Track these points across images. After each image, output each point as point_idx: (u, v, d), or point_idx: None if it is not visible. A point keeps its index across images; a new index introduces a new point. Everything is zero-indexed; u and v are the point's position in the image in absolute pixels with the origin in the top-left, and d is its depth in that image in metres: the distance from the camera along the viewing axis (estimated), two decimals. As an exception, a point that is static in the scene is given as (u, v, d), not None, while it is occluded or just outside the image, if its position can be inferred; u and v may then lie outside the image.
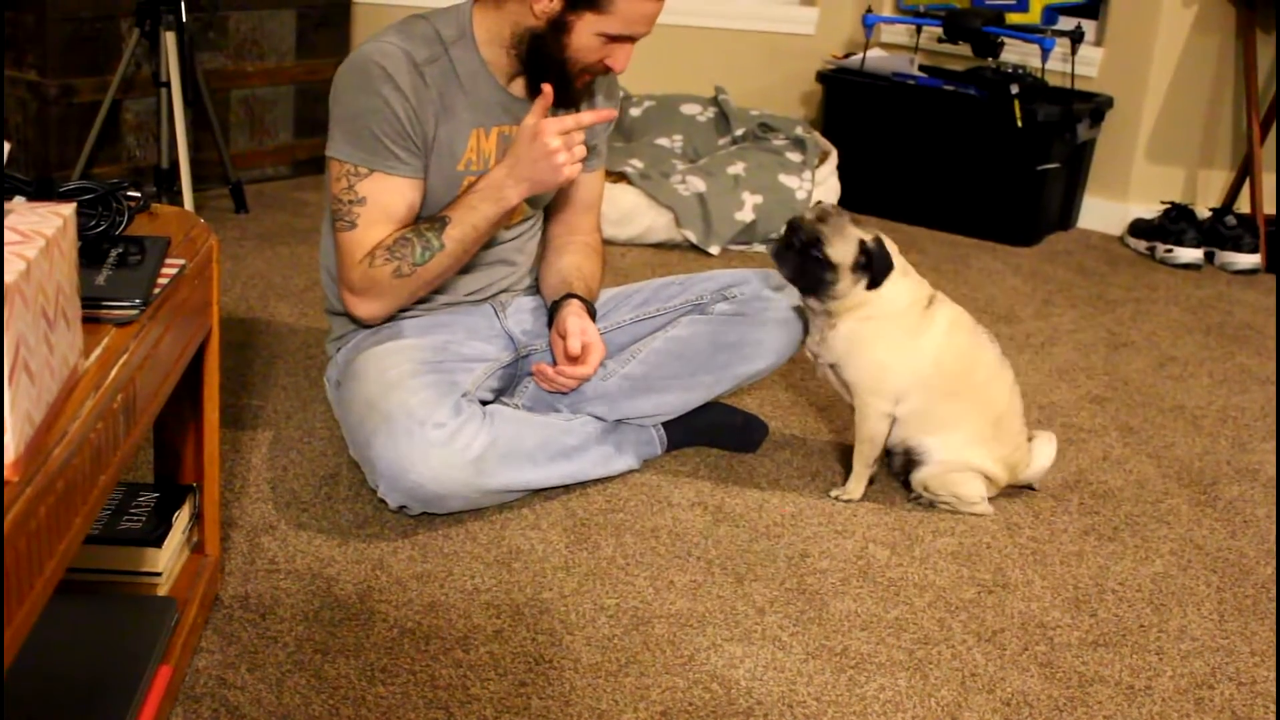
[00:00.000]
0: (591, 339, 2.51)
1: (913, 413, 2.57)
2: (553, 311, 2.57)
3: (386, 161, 2.36)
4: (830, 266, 2.45)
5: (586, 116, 2.42)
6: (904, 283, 2.52)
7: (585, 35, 2.35)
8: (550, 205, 2.72)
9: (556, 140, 2.34)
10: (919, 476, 2.60)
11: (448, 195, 2.44)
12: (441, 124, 2.40)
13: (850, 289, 2.47)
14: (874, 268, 2.45)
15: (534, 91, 2.43)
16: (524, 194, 2.40)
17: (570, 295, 2.57)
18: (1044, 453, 2.68)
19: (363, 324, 2.51)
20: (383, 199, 2.38)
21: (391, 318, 2.51)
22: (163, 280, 1.69)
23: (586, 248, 2.70)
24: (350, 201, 2.37)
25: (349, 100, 2.37)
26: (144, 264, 1.69)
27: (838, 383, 2.61)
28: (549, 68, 2.39)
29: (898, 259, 2.50)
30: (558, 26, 2.35)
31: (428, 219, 2.43)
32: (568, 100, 2.47)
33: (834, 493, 2.61)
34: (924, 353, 2.53)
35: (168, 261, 1.75)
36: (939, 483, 2.58)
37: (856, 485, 2.61)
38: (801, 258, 2.47)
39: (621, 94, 2.80)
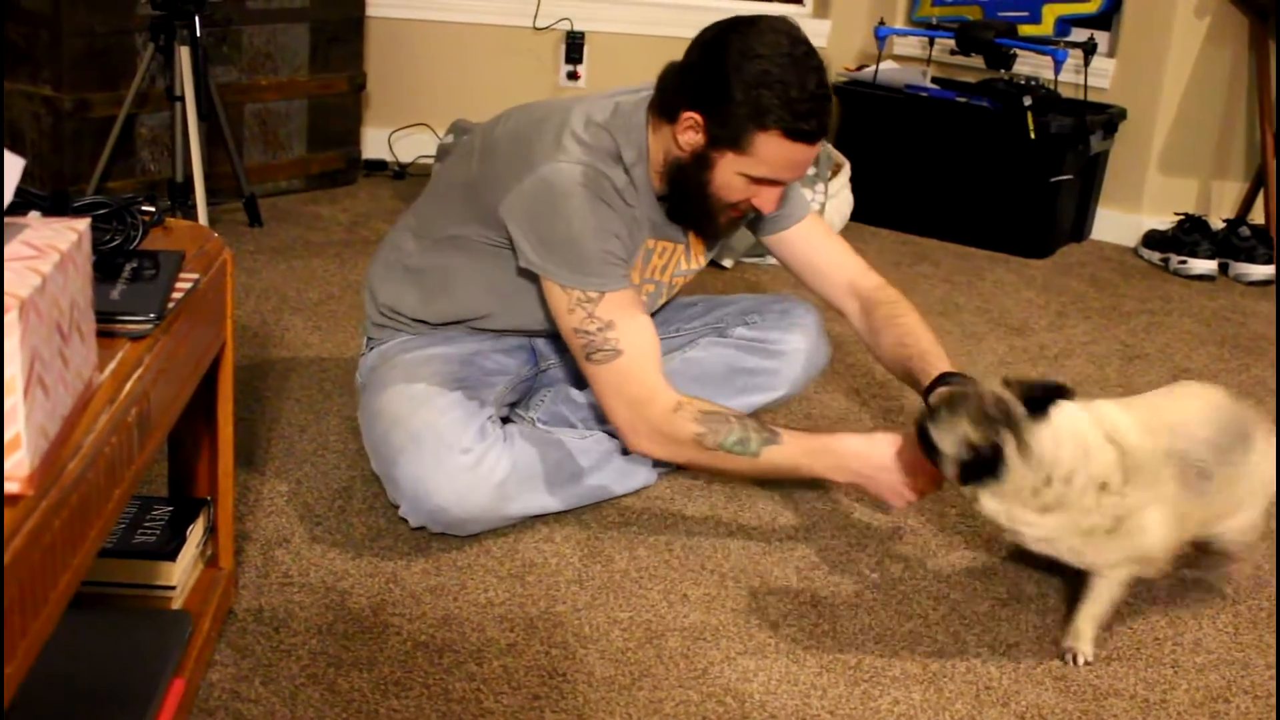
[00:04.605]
0: None
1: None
2: None
3: (617, 281, 2.28)
4: (936, 452, 2.12)
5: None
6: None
7: (727, 174, 2.26)
8: (809, 285, 2.68)
9: (930, 488, 2.32)
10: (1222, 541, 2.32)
11: None
12: (629, 242, 2.36)
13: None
14: (963, 469, 2.09)
15: (675, 216, 2.39)
16: (851, 484, 2.36)
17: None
18: None
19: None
20: (628, 313, 2.29)
21: (420, 323, 2.52)
22: (177, 294, 1.70)
23: (889, 311, 2.56)
24: (599, 330, 2.27)
25: (572, 225, 2.26)
26: (158, 278, 1.70)
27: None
28: (693, 200, 2.32)
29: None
30: (701, 162, 2.27)
31: (759, 422, 2.31)
32: (712, 233, 2.43)
33: (1075, 658, 2.17)
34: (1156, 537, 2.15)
35: (182, 275, 1.75)
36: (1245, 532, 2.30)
37: (1088, 644, 2.19)
38: (924, 432, 2.14)
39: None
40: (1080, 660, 2.16)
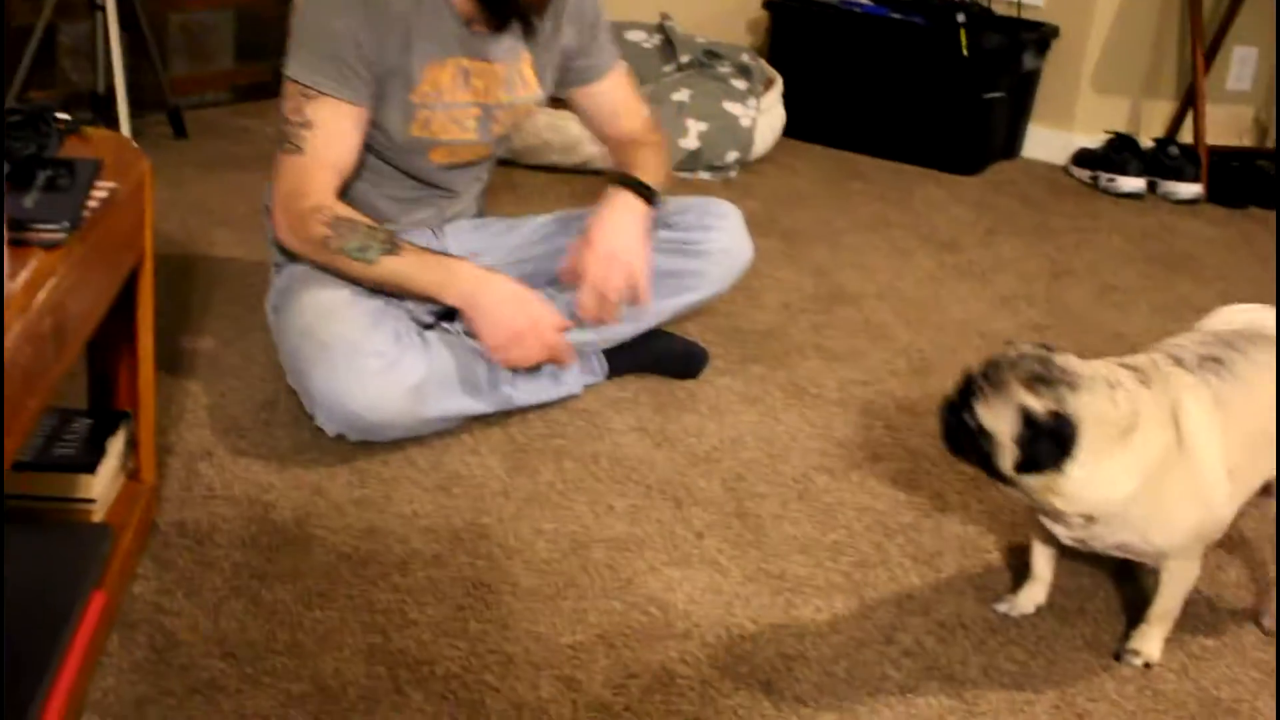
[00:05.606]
0: (597, 244, 2.46)
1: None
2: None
3: (339, 87, 2.32)
4: (983, 434, 1.82)
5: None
6: (1138, 439, 1.83)
7: None
8: (589, 128, 2.76)
9: (540, 355, 2.40)
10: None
11: (404, 127, 2.42)
12: (401, 54, 2.36)
13: (1031, 477, 1.82)
14: (1035, 450, 1.79)
15: (491, 14, 2.39)
16: (458, 306, 2.37)
17: (611, 184, 2.54)
18: None
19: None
20: (331, 126, 2.34)
21: None
22: (93, 204, 1.67)
23: (637, 143, 2.65)
24: (299, 124, 2.34)
25: (313, 19, 2.35)
26: (73, 187, 1.67)
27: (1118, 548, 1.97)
28: None
29: (1095, 399, 1.80)
30: None
31: (386, 231, 2.36)
32: (511, 9, 2.40)
33: (1130, 660, 1.99)
34: (1214, 470, 1.88)
35: (98, 184, 1.73)
36: None
37: (1156, 645, 2.00)
38: (954, 416, 1.86)
39: (601, 15, 2.66)
40: (1142, 663, 1.99)
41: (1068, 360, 1.85)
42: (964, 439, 1.85)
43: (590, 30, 2.62)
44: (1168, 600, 1.98)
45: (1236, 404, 1.90)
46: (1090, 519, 1.88)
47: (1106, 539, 1.91)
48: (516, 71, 2.52)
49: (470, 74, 2.45)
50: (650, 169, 2.58)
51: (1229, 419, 1.88)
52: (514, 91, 2.53)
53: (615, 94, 2.70)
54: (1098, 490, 1.83)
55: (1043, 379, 1.79)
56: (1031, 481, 1.83)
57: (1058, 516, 1.91)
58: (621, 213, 2.49)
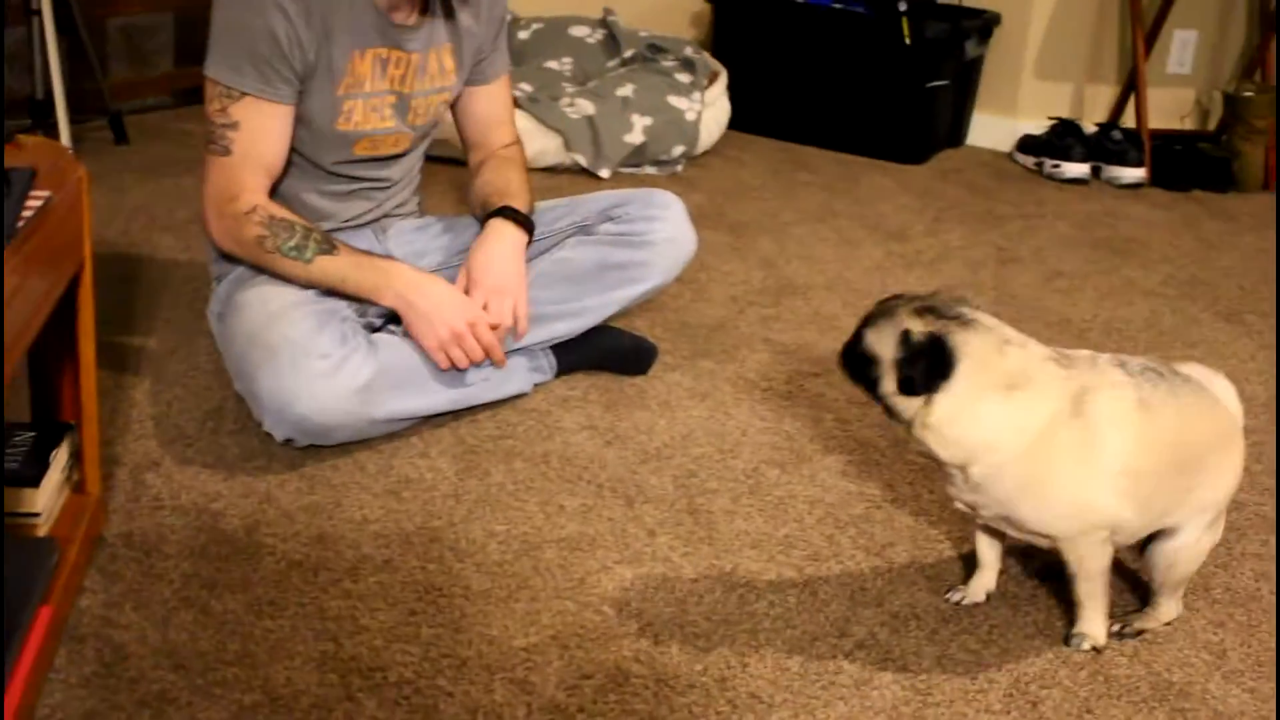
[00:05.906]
0: (482, 280, 2.45)
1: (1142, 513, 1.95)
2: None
3: (260, 86, 2.32)
4: (872, 360, 1.88)
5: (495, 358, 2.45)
6: (1023, 398, 1.84)
7: None
8: (460, 132, 2.72)
9: (478, 355, 2.39)
10: (1168, 550, 2.01)
11: (329, 120, 2.41)
12: (322, 47, 2.35)
13: (908, 402, 1.86)
14: (913, 370, 1.84)
15: None
16: (394, 308, 2.38)
17: (490, 215, 2.53)
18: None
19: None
20: (257, 125, 2.34)
21: None
22: (27, 213, 1.65)
23: (500, 160, 2.66)
24: (223, 125, 2.33)
25: (231, 17, 2.32)
26: (8, 197, 1.65)
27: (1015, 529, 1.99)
28: None
29: (1007, 359, 1.85)
30: None
31: (321, 231, 2.38)
32: None
33: (1078, 644, 2.01)
34: (1111, 462, 1.87)
35: (33, 194, 1.71)
36: (1193, 554, 2.03)
37: (1098, 626, 2.02)
38: (850, 346, 1.93)
39: (509, 16, 2.74)
40: (1090, 647, 2.01)
41: (978, 312, 1.89)
42: (855, 364, 1.92)
43: (498, 30, 2.64)
44: (1081, 584, 1.99)
45: (1161, 413, 1.90)
46: (965, 473, 1.89)
47: (992, 507, 1.93)
48: (436, 61, 2.52)
49: (388, 63, 2.44)
50: (521, 190, 2.59)
51: (1149, 422, 1.89)
52: (432, 81, 2.53)
53: (498, 101, 2.70)
54: (965, 430, 1.85)
55: (935, 311, 1.86)
56: (907, 411, 1.87)
57: (941, 466, 1.92)
58: (504, 245, 2.49)
